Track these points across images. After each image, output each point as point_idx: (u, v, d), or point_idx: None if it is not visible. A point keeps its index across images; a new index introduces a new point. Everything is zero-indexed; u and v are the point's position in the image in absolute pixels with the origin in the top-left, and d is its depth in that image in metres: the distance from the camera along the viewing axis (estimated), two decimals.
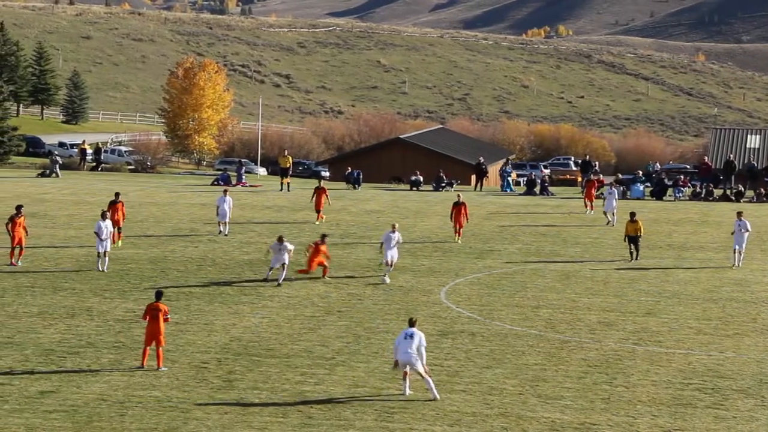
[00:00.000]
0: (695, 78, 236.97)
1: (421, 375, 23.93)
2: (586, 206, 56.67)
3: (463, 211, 45.68)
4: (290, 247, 36.92)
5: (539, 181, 69.56)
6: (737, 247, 40.89)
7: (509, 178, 72.14)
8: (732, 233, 41.65)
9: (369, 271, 39.24)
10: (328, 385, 24.98)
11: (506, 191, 69.88)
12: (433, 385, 23.94)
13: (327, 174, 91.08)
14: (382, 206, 59.11)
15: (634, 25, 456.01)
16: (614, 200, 52.17)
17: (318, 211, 50.91)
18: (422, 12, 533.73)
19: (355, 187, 69.78)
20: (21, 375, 25.32)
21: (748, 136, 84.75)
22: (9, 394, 23.83)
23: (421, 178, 71.54)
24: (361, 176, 71.31)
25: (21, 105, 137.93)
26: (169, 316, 26.64)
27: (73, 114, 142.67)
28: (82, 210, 54.35)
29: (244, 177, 73.19)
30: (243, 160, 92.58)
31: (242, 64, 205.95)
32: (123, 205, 44.18)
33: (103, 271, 37.63)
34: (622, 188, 65.26)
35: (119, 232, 43.10)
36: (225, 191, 48.39)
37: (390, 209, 57.64)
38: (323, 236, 37.76)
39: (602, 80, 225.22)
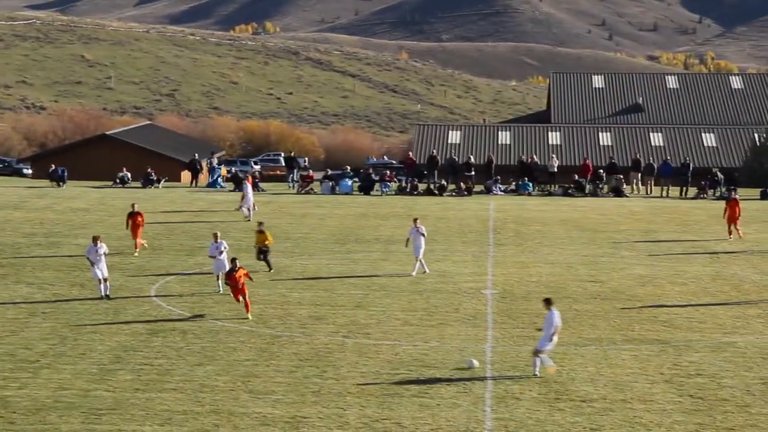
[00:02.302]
0: (399, 75, 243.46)
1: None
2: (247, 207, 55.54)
3: (139, 221, 42.29)
4: (106, 249, 34.66)
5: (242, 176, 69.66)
6: (417, 254, 38.63)
7: (220, 175, 71.84)
8: (407, 241, 39.37)
9: (75, 270, 38.18)
10: (32, 389, 24.15)
11: (216, 188, 69.60)
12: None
13: (29, 171, 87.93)
14: (89, 204, 57.65)
15: (340, 22, 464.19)
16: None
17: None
18: (127, 6, 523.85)
19: (59, 185, 67.76)
20: None
21: (450, 131, 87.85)
22: None
23: (129, 175, 70.25)
24: (66, 174, 69.29)
25: None
26: None
27: None
28: None
29: None
30: None
31: None
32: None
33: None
34: (331, 183, 66.35)
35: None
36: None
37: (97, 207, 56.29)
38: (234, 260, 32.49)
39: (310, 77, 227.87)
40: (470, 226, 51.22)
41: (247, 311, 31.50)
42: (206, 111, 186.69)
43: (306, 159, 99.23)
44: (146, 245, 42.57)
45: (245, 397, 24.01)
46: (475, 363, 26.37)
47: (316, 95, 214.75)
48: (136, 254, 41.68)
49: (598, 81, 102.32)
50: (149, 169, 70.23)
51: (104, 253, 34.18)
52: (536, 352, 26.05)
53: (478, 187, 67.27)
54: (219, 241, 35.74)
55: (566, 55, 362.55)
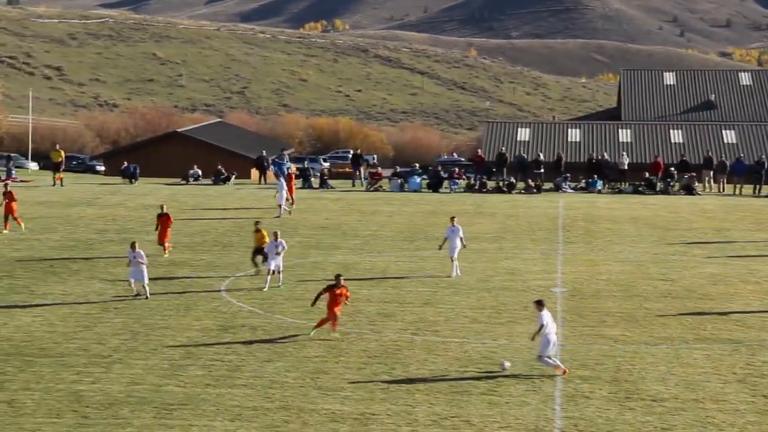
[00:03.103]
0: (468, 72, 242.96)
1: None
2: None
3: (168, 222, 41.36)
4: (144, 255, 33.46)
5: (319, 174, 69.95)
6: (453, 254, 37.69)
7: (288, 171, 72.19)
8: (444, 241, 38.31)
9: (149, 266, 38.53)
10: (104, 384, 24.45)
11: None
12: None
13: (102, 168, 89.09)
14: (160, 201, 58.20)
15: (409, 20, 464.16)
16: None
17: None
18: (198, 4, 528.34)
19: (131, 182, 68.55)
20: None
21: (519, 129, 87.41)
22: None
23: (200, 172, 70.86)
24: (137, 171, 70.09)
25: None
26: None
27: None
28: None
29: (13, 172, 70.83)
30: (12, 154, 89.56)
31: (10, 56, 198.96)
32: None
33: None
34: (399, 180, 66.39)
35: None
36: None
37: (168, 204, 56.82)
38: (338, 276, 29.62)
39: (379, 74, 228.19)
40: (539, 223, 50.95)
41: (334, 329, 29.03)
42: (276, 108, 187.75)
43: (375, 156, 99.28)
44: (169, 252, 40.95)
45: (314, 394, 24.09)
46: (507, 364, 25.97)
47: (384, 92, 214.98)
48: (165, 255, 40.62)
49: (669, 78, 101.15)
50: (219, 166, 70.78)
51: (142, 260, 33.12)
52: (539, 358, 25.81)
53: (547, 185, 66.94)
54: (278, 240, 35.45)
55: (637, 51, 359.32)
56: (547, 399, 23.95)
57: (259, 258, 37.28)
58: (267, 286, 34.78)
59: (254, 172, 75.97)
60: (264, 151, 76.15)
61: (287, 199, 53.18)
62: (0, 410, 22.45)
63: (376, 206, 56.64)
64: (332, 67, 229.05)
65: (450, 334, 29.59)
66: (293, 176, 59.08)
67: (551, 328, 25.87)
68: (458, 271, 37.84)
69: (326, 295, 29.08)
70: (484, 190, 65.30)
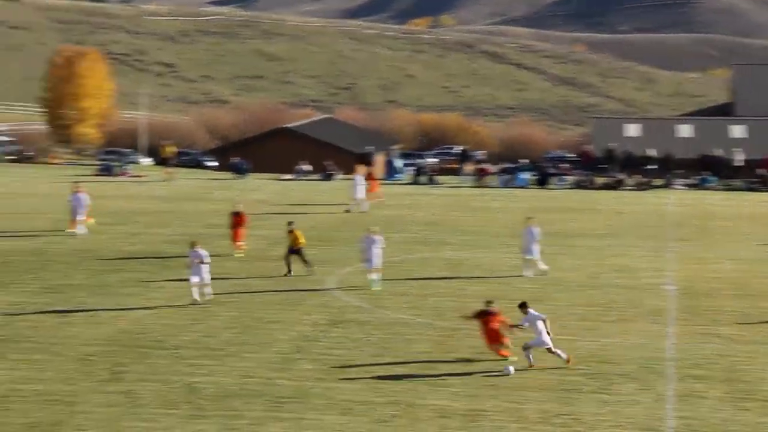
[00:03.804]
0: (575, 68, 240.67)
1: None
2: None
3: (242, 220, 40.71)
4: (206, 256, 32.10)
5: (426, 170, 70.04)
6: (528, 255, 37.00)
7: (396, 167, 72.48)
8: (524, 240, 37.48)
9: (258, 261, 39.06)
10: (218, 377, 24.82)
11: (393, 179, 70.18)
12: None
13: (212, 164, 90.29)
14: (269, 195, 58.88)
15: (515, 15, 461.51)
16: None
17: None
18: (305, 1, 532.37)
19: (241, 177, 69.42)
20: None
21: (628, 125, 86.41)
22: None
23: (309, 168, 71.46)
24: (247, 166, 70.96)
25: None
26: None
27: None
28: None
29: (127, 167, 72.25)
30: (126, 150, 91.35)
31: (123, 53, 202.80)
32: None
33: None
34: (506, 176, 66.18)
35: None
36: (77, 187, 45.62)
37: (277, 199, 57.44)
38: (489, 302, 26.99)
39: (486, 70, 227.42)
40: (649, 220, 50.34)
41: (506, 355, 26.25)
42: (383, 104, 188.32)
43: (482, 152, 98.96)
44: (241, 251, 40.36)
45: (424, 389, 24.13)
46: (511, 370, 25.24)
47: (491, 88, 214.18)
48: (237, 255, 40.11)
49: None
50: (327, 162, 71.30)
51: (203, 261, 31.85)
52: (525, 347, 25.83)
53: (657, 182, 66.06)
54: (375, 237, 35.04)
55: (750, 45, 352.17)
56: (659, 398, 23.66)
57: (293, 258, 36.61)
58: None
59: (361, 168, 76.34)
60: (370, 147, 76.51)
61: (364, 196, 53.04)
62: (118, 401, 22.95)
63: (483, 202, 56.54)
64: (439, 63, 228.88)
65: (559, 332, 29.33)
66: (373, 173, 58.81)
67: (540, 327, 25.75)
68: (531, 272, 36.91)
69: (478, 323, 26.56)
70: (592, 186, 64.69)
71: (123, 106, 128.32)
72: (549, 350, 25.88)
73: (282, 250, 41.14)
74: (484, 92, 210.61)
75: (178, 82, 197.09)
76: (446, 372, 25.40)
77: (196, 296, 31.90)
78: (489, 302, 26.81)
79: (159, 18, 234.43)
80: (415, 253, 41.65)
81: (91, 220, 44.63)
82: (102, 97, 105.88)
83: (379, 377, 24.93)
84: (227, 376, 24.88)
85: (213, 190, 61.09)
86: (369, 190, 54.19)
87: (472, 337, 28.57)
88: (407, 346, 27.75)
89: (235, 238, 40.58)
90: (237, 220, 40.72)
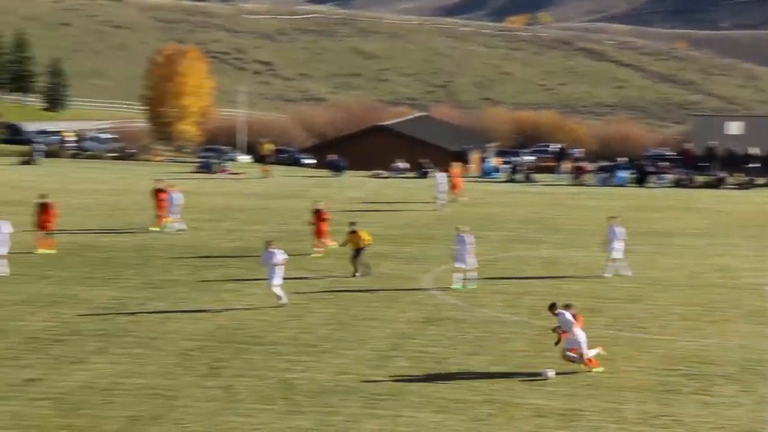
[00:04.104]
0: (675, 65, 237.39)
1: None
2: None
3: (324, 218, 40.10)
4: (281, 256, 31.23)
5: (522, 168, 69.70)
6: (613, 255, 36.29)
7: (491, 165, 72.26)
8: (605, 241, 36.84)
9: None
10: (314, 373, 24.97)
11: (489, 177, 69.97)
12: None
13: (309, 161, 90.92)
14: (366, 193, 59.11)
15: (614, 12, 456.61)
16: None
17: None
18: None
19: (337, 174, 69.77)
20: (7, 362, 25.23)
21: (729, 122, 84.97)
22: None
23: (406, 165, 71.55)
24: (344, 163, 71.31)
25: (1, 92, 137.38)
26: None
27: (54, 101, 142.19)
28: (64, 198, 54.14)
29: (226, 164, 73.07)
30: (225, 147, 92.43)
31: (222, 51, 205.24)
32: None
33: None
34: (604, 175, 65.54)
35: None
36: (171, 186, 45.95)
37: (373, 196, 57.63)
38: (567, 306, 26.01)
39: (583, 67, 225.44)
40: (752, 219, 49.46)
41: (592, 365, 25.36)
42: (478, 102, 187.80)
43: (579, 150, 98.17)
44: (322, 249, 40.16)
45: (520, 388, 24.00)
46: (550, 374, 24.71)
47: (588, 85, 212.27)
48: (317, 253, 39.91)
49: None
50: (423, 159, 71.32)
51: (278, 262, 31.03)
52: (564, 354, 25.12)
53: (759, 180, 64.86)
54: (463, 234, 34.68)
55: None
56: (761, 400, 23.23)
57: (359, 260, 36.03)
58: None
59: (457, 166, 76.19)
60: (466, 145, 76.37)
61: (446, 194, 52.92)
62: (216, 395, 23.22)
63: (580, 200, 56.06)
64: (535, 60, 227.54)
65: (658, 332, 29.03)
66: (457, 171, 58.42)
67: (574, 327, 25.07)
68: (615, 272, 36.30)
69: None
70: (692, 185, 63.76)
71: (222, 104, 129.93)
72: (577, 355, 25.02)
73: (376, 248, 41.28)
74: (581, 90, 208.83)
75: (275, 80, 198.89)
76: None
77: (284, 299, 31.33)
78: (567, 305, 26.12)
79: (257, 17, 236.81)
80: (511, 252, 41.48)
81: (169, 219, 44.96)
82: (202, 95, 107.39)
83: (475, 376, 24.86)
84: (323, 372, 25.02)
85: (309, 188, 61.50)
86: (451, 188, 54.10)
87: None
88: (503, 344, 27.64)
89: (317, 235, 40.26)
90: (319, 216, 40.36)
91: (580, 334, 25.16)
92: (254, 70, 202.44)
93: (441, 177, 53.34)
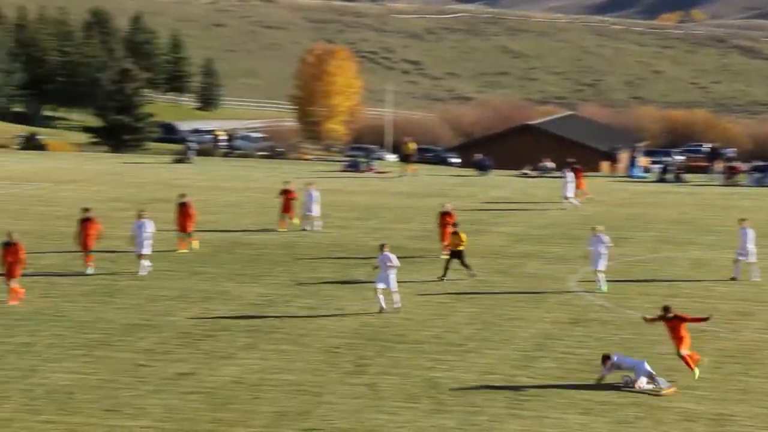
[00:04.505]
0: None
1: None
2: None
3: (450, 221, 38.05)
4: (395, 260, 30.53)
5: (673, 168, 68.48)
6: (742, 258, 35.23)
7: (639, 165, 71.19)
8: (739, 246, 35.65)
9: (499, 258, 39.13)
10: (458, 372, 25.00)
11: (636, 177, 68.94)
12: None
13: (455, 160, 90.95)
14: (512, 193, 58.89)
15: None
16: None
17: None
18: None
19: (483, 174, 69.61)
20: (160, 356, 25.94)
21: None
22: (148, 375, 24.45)
23: (555, 165, 70.96)
24: (490, 163, 71.14)
25: (156, 92, 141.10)
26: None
27: (207, 101, 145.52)
28: (216, 195, 55.33)
29: (373, 163, 73.60)
30: (372, 146, 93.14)
31: (371, 51, 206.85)
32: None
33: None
34: (758, 175, 63.95)
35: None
36: (310, 184, 45.78)
37: (518, 196, 57.38)
38: (666, 308, 25.23)
39: (738, 65, 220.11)
40: None
41: (690, 367, 24.68)
42: (628, 101, 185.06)
43: (732, 150, 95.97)
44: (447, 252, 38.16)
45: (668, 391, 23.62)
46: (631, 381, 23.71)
47: (743, 84, 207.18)
48: (443, 256, 37.90)
49: None
50: (570, 159, 70.67)
51: (392, 265, 30.30)
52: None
53: None
54: (602, 236, 33.75)
55: None
56: None
57: (456, 262, 34.83)
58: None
59: (604, 165, 75.36)
60: (615, 144, 75.39)
61: (573, 194, 52.08)
62: (361, 392, 23.46)
63: (733, 201, 54.82)
64: (688, 58, 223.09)
65: None
66: (581, 170, 57.19)
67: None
68: (749, 276, 35.19)
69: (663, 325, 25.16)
70: None
71: (370, 104, 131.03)
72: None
73: (521, 247, 41.12)
74: (735, 88, 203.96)
75: (423, 80, 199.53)
76: (691, 375, 24.74)
77: (383, 303, 30.34)
78: (666, 308, 25.21)
79: (406, 16, 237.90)
80: (661, 252, 40.81)
81: (296, 220, 45.08)
82: (350, 95, 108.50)
83: (622, 377, 24.52)
84: (468, 371, 25.04)
85: (455, 187, 61.55)
86: (577, 187, 53.40)
87: (721, 339, 27.80)
88: (651, 346, 27.21)
89: (443, 238, 38.81)
90: (445, 220, 39.01)
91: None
92: (402, 69, 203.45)
93: (570, 176, 52.76)
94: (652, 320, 25.50)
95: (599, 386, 23.90)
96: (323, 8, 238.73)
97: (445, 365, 25.51)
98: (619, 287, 34.20)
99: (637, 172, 69.73)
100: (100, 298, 31.93)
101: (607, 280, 34.02)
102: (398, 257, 31.01)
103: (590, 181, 65.71)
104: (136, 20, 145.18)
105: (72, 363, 25.27)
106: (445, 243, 37.58)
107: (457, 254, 35.06)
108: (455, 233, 35.45)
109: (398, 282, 30.91)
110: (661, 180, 66.55)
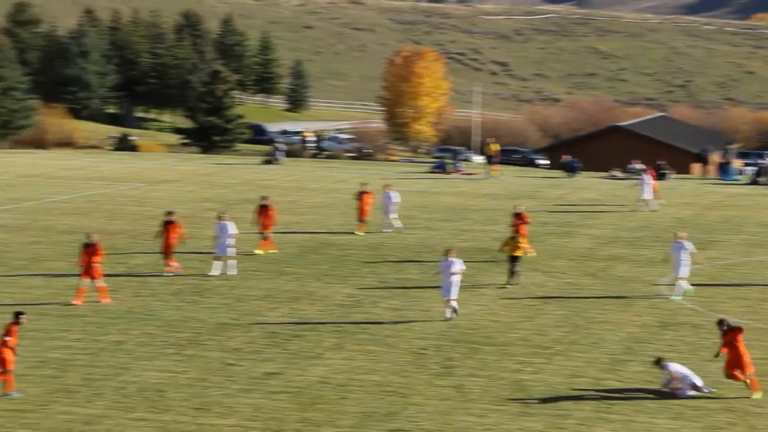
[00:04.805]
0: None
1: None
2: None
3: (525, 223, 38.37)
4: (460, 266, 30.18)
5: (766, 170, 67.25)
6: None
7: (732, 167, 70.08)
8: None
9: (587, 260, 38.81)
10: (546, 375, 24.86)
11: (727, 180, 67.88)
12: None
13: (543, 162, 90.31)
14: (601, 195, 58.37)
15: None
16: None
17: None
18: None
19: (571, 175, 69.06)
20: (248, 356, 26.17)
21: None
22: (237, 374, 24.70)
23: (644, 167, 70.16)
24: (579, 164, 70.54)
25: (246, 94, 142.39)
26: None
27: (296, 102, 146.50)
28: (304, 196, 55.68)
29: (460, 165, 73.42)
30: (459, 147, 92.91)
31: (459, 52, 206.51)
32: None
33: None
34: None
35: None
36: (389, 186, 45.33)
37: (608, 198, 56.84)
38: (722, 321, 24.68)
39: None
40: None
41: (752, 389, 23.73)
42: (720, 102, 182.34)
43: None
44: (528, 252, 37.75)
45: (762, 398, 23.20)
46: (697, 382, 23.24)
47: None
48: (529, 253, 37.74)
49: None
50: (660, 161, 69.78)
51: (456, 271, 29.90)
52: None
53: None
54: (684, 242, 32.85)
55: None
56: None
57: (515, 268, 34.26)
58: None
59: (695, 167, 74.34)
60: (706, 146, 74.29)
61: (651, 197, 51.16)
62: (448, 394, 23.44)
63: None
64: None
65: None
66: (654, 172, 55.93)
67: (684, 370, 23.54)
68: None
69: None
70: None
71: (457, 105, 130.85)
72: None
73: (610, 250, 40.76)
74: None
75: (511, 81, 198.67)
76: None
77: (449, 314, 29.84)
78: (721, 321, 24.55)
79: (494, 17, 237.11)
80: (753, 256, 40.14)
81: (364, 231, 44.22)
82: (438, 96, 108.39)
83: (711, 382, 24.17)
84: (556, 374, 24.89)
85: (543, 189, 61.17)
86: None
87: None
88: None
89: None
90: (519, 221, 38.80)
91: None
92: (490, 70, 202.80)
93: (647, 179, 51.94)
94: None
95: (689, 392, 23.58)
96: (411, 10, 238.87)
97: (532, 368, 25.37)
98: (709, 291, 33.73)
99: (731, 174, 68.65)
100: (190, 297, 32.31)
101: (698, 284, 33.53)
102: (483, 260, 30.91)
103: (681, 184, 64.91)
104: (227, 23, 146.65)
105: (163, 361, 25.63)
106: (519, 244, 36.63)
107: (513, 259, 34.41)
108: (512, 238, 35.04)
109: (484, 285, 30.69)
110: (754, 182, 65.42)
